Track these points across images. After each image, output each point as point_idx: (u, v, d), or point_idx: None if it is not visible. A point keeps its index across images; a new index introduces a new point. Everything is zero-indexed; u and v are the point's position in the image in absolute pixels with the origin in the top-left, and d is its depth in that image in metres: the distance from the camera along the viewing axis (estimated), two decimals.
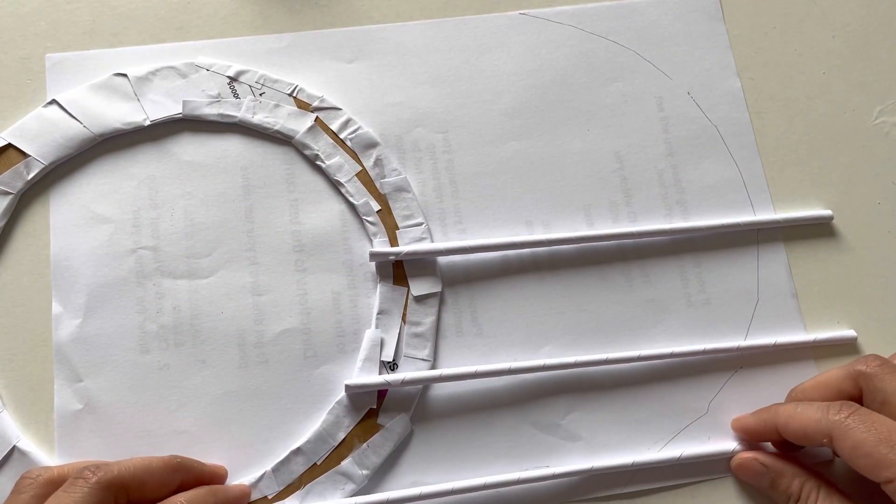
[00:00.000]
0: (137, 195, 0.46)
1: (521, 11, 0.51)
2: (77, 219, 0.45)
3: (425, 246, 0.45)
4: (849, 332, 0.46)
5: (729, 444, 0.43)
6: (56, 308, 0.43)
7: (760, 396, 0.44)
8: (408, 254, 0.44)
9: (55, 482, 0.37)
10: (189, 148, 0.47)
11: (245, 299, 0.44)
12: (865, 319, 0.46)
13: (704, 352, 0.44)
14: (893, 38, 0.52)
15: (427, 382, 0.43)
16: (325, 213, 0.46)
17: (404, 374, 0.43)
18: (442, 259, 0.46)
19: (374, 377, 0.43)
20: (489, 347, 0.44)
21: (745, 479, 0.43)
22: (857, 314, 0.46)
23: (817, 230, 0.46)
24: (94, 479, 0.35)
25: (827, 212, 0.48)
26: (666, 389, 0.44)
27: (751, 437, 0.43)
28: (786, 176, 0.49)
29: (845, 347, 0.46)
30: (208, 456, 0.41)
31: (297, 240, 0.46)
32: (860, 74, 0.51)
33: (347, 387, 0.42)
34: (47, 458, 0.41)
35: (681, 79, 0.50)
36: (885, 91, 0.51)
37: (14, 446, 0.41)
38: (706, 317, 0.46)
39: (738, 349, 0.45)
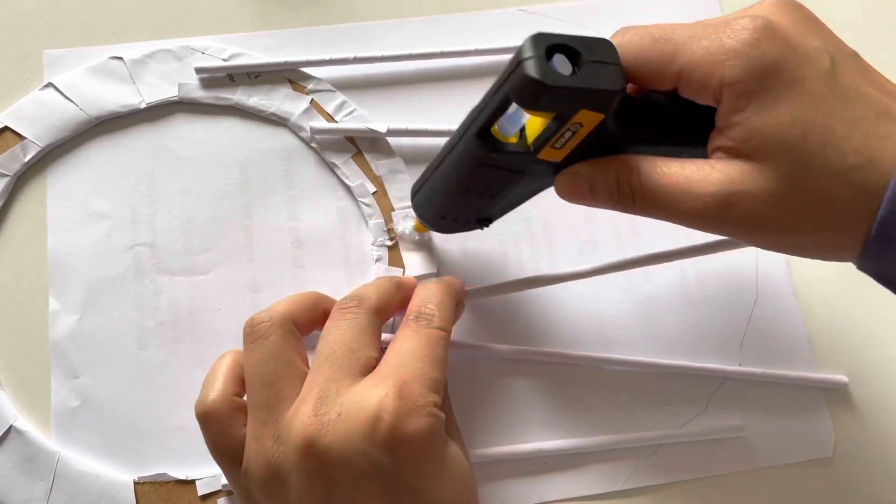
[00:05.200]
0: (135, 191, 0.46)
1: (521, 8, 0.51)
2: (74, 215, 0.45)
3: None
4: (840, 377, 0.46)
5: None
6: (53, 304, 0.43)
7: (761, 392, 0.45)
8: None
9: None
10: (185, 134, 0.47)
11: (243, 296, 0.44)
12: (864, 315, 0.47)
13: (689, 368, 0.45)
14: (893, 39, 0.52)
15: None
16: (322, 209, 0.46)
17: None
18: (439, 244, 0.46)
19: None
20: (485, 339, 0.45)
21: (570, 198, 0.38)
22: (856, 310, 0.47)
23: None
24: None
25: None
26: (664, 388, 0.45)
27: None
28: None
29: (844, 347, 0.47)
30: (206, 454, 0.41)
31: (295, 236, 0.46)
32: None
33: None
34: (44, 439, 0.41)
35: None
36: None
37: (11, 426, 0.41)
38: (705, 314, 0.46)
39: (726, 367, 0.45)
